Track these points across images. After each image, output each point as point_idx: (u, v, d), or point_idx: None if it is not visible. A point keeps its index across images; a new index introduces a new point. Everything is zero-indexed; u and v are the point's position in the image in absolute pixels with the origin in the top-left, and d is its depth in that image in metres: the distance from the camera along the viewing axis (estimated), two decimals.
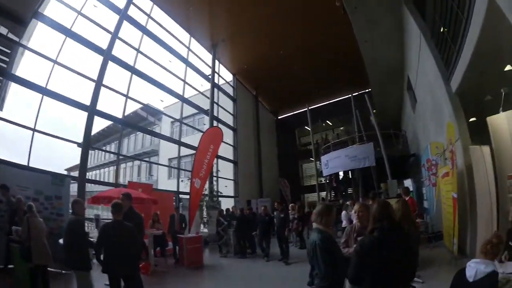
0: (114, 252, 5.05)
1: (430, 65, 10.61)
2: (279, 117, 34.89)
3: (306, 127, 32.76)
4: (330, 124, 32.93)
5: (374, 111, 19.40)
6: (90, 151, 12.25)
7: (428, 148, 11.53)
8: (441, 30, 9.76)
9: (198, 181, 11.85)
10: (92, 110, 12.27)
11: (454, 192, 8.20)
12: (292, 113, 34.15)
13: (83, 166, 11.83)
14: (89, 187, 14.05)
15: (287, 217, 11.70)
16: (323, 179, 24.55)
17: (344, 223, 12.52)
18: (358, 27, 13.79)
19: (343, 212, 12.92)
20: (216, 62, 22.76)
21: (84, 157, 11.83)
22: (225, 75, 25.11)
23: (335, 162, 19.18)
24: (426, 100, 12.71)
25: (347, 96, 28.43)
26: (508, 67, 7.57)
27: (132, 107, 20.40)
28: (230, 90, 25.34)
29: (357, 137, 21.46)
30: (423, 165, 11.73)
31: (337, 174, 22.33)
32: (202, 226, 16.64)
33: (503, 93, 7.73)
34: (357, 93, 24.44)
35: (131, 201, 6.67)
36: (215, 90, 22.14)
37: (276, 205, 12.13)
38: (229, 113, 24.56)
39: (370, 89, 24.08)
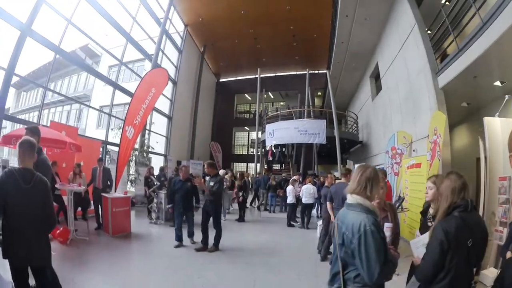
0: (19, 224, 3.17)
1: (416, 55, 10.23)
2: (220, 80, 33.42)
3: (246, 94, 32.16)
4: (272, 97, 32.23)
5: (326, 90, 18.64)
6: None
7: (394, 136, 11.15)
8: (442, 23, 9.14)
9: (131, 129, 9.58)
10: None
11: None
12: (235, 78, 33.16)
13: None
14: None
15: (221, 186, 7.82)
16: (254, 151, 23.70)
17: (290, 199, 11.87)
18: None
19: (289, 187, 12.13)
20: (172, 7, 20.77)
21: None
22: (177, 25, 23.20)
23: (282, 133, 17.91)
24: (397, 90, 12.42)
25: (297, 73, 28.31)
26: (497, 83, 7.81)
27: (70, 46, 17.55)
28: (178, 41, 23.50)
29: (306, 112, 20.83)
30: (387, 152, 11.27)
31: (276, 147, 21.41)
32: (129, 184, 14.68)
33: (506, 99, 7.30)
34: (316, 72, 23.81)
35: (39, 138, 4.43)
36: (164, 37, 20.03)
37: (207, 168, 7.78)
38: (173, 64, 22.63)
39: (322, 71, 23.87)
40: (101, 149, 13.86)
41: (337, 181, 8.61)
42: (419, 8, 10.67)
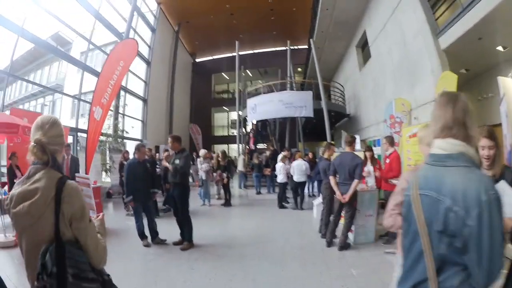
0: None
1: (412, 17, 9.56)
2: (196, 60, 32.09)
3: (224, 74, 31.07)
4: (251, 75, 31.15)
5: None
6: None
7: (392, 104, 10.29)
8: None
9: (99, 109, 8.30)
10: None
11: None
12: (211, 57, 32.05)
13: None
14: None
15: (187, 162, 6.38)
16: (235, 131, 22.72)
17: (281, 178, 10.81)
18: None
19: (279, 164, 11.05)
20: None
21: None
22: (149, 3, 21.85)
23: (266, 107, 16.44)
24: (390, 56, 11.66)
25: (277, 49, 27.40)
26: (499, 48, 7.49)
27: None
28: (151, 21, 22.15)
29: (289, 84, 19.61)
30: (385, 121, 10.39)
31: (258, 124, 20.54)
32: (104, 174, 13.47)
33: None
34: (295, 47, 22.86)
35: None
36: (135, 15, 18.77)
37: (172, 143, 6.45)
38: (146, 43, 21.24)
39: (301, 46, 22.83)
40: (71, 137, 12.57)
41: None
42: None
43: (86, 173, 8.25)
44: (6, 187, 7.84)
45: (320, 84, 15.20)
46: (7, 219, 7.43)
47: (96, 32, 15.76)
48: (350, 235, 6.09)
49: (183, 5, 22.51)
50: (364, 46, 15.28)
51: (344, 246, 5.71)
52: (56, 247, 1.55)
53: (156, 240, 6.38)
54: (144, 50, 20.99)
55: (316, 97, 15.78)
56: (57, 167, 1.79)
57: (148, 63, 21.29)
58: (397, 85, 11.00)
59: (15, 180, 6.88)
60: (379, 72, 12.90)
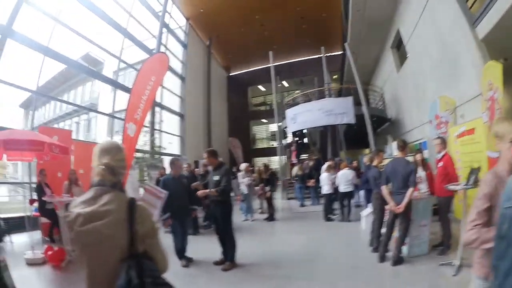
0: None
1: (446, 9, 9.13)
2: (231, 74, 32.33)
3: (259, 86, 30.99)
4: (287, 85, 30.92)
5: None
6: None
7: (436, 103, 9.77)
8: None
9: (132, 126, 8.45)
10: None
11: (489, 151, 6.50)
12: (245, 70, 31.97)
13: None
14: None
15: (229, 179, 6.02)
16: (274, 143, 22.47)
17: (327, 189, 10.34)
18: None
19: (324, 175, 10.61)
20: (170, 1, 19.95)
21: None
22: (178, 19, 22.27)
23: (306, 116, 16.03)
24: (427, 53, 11.20)
25: (311, 57, 27.22)
26: None
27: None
28: (181, 36, 22.52)
29: (328, 91, 19.29)
30: (430, 121, 9.92)
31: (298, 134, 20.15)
32: (142, 190, 13.58)
33: None
34: (329, 54, 22.53)
35: None
36: (165, 32, 19.28)
37: (207, 158, 6.13)
38: (179, 60, 21.65)
39: (335, 53, 23.20)
40: None
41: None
42: None
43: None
44: (36, 204, 8.02)
45: (359, 88, 14.82)
46: (35, 235, 7.74)
47: (127, 50, 16.18)
48: (403, 248, 5.71)
49: (212, 19, 22.71)
50: (399, 46, 14.79)
51: (398, 260, 5.33)
52: (136, 262, 1.70)
53: (183, 262, 6.07)
54: (178, 66, 21.43)
55: (356, 103, 15.35)
56: (123, 189, 1.96)
57: (182, 78, 21.63)
58: (438, 82, 10.45)
59: (42, 198, 7.12)
60: (418, 71, 12.41)
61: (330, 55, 25.23)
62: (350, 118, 14.83)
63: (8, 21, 9.32)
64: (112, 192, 1.84)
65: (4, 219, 8.52)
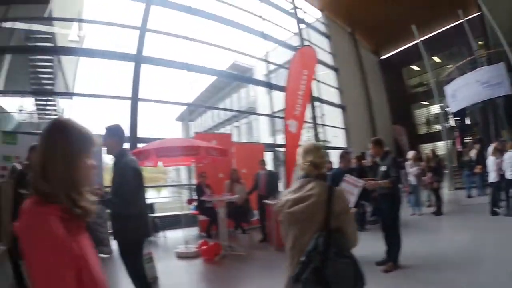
0: None
1: None
2: (381, 57, 30.66)
3: (412, 66, 28.77)
4: (438, 61, 27.63)
5: None
6: None
7: None
8: None
9: (293, 122, 8.73)
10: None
11: None
12: (394, 52, 29.79)
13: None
14: None
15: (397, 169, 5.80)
16: (438, 127, 20.72)
17: (493, 176, 8.97)
18: None
19: (491, 159, 9.19)
20: None
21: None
22: (312, 13, 22.28)
23: (465, 91, 14.40)
24: None
25: (451, 26, 23.75)
26: None
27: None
28: (321, 29, 22.41)
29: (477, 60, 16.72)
30: None
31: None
32: None
33: None
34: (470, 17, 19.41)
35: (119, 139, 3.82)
36: (302, 30, 19.38)
37: (373, 148, 5.99)
38: (326, 51, 21.44)
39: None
40: (267, 154, 13.37)
41: None
42: None
43: (287, 185, 8.64)
44: (194, 203, 9.02)
45: (507, 51, 12.76)
46: (191, 232, 8.77)
47: (274, 53, 17.37)
48: None
49: (347, 4, 21.89)
50: None
51: None
52: (326, 233, 2.14)
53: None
54: (327, 58, 21.37)
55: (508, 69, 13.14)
56: (324, 179, 2.47)
57: (335, 70, 21.54)
58: None
59: (201, 198, 7.96)
60: None
61: (470, 18, 21.91)
62: (506, 88, 12.89)
63: (138, 48, 11.13)
64: (314, 181, 2.34)
65: (160, 217, 9.83)
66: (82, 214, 1.35)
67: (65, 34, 13.79)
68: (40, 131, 2.79)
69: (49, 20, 12.12)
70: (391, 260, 5.48)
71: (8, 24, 11.73)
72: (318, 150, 2.54)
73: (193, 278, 6.03)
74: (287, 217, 2.35)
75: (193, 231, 9.36)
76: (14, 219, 3.19)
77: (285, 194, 2.44)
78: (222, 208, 7.39)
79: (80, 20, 14.12)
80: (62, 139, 1.33)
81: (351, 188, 5.62)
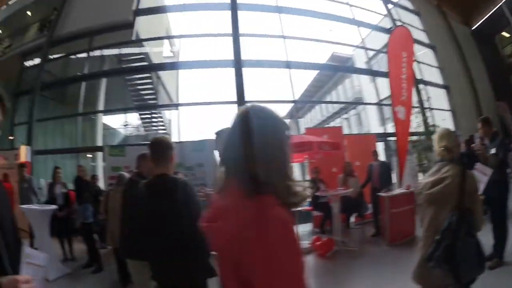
0: None
1: None
2: (473, 28, 27.90)
3: (503, 33, 25.90)
4: None
5: None
6: None
7: None
8: None
9: (401, 109, 8.51)
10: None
11: None
12: (485, 17, 26.74)
13: None
14: None
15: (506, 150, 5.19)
16: None
17: None
18: None
19: None
20: None
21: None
22: None
23: None
24: None
25: None
26: None
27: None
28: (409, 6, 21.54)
29: None
30: None
31: None
32: (421, 176, 13.13)
33: None
34: None
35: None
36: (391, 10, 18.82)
37: (481, 128, 5.55)
38: (419, 29, 20.16)
39: None
40: (378, 144, 12.82)
41: None
42: None
43: (400, 176, 8.64)
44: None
45: None
46: (305, 228, 8.76)
47: (369, 38, 17.22)
48: None
49: None
50: None
51: None
52: (460, 212, 2.38)
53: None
54: (422, 35, 20.37)
55: None
56: (458, 162, 2.64)
57: (432, 47, 20.65)
58: None
59: (315, 193, 7.70)
60: None
61: None
62: None
63: (235, 53, 11.70)
64: (449, 165, 2.57)
65: None
66: (297, 201, 1.23)
67: (158, 52, 14.70)
68: (151, 140, 2.66)
69: (138, 42, 13.17)
70: (497, 255, 4.85)
71: (96, 53, 13.03)
72: (451, 135, 2.75)
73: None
74: (425, 198, 2.60)
75: (307, 227, 9.22)
76: (123, 223, 3.59)
77: (425, 177, 2.78)
78: (337, 203, 7.29)
79: (169, 37, 15.02)
80: (272, 126, 1.26)
81: (481, 176, 5.29)
